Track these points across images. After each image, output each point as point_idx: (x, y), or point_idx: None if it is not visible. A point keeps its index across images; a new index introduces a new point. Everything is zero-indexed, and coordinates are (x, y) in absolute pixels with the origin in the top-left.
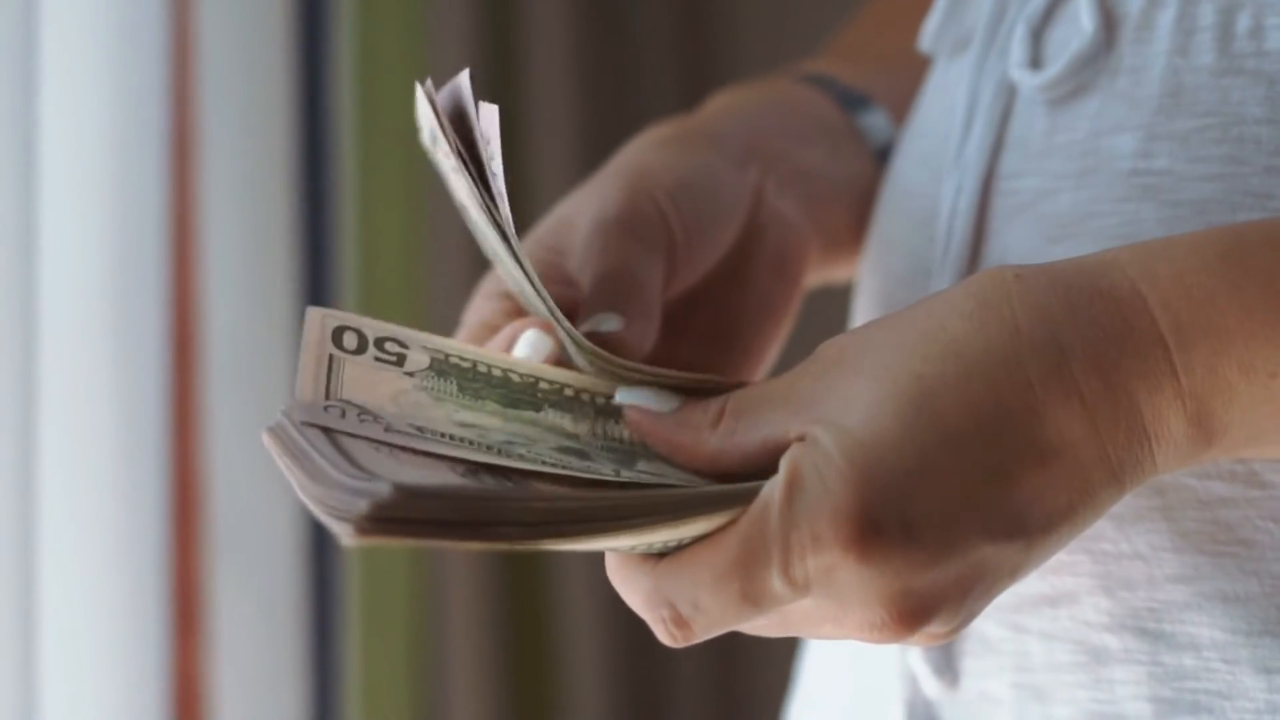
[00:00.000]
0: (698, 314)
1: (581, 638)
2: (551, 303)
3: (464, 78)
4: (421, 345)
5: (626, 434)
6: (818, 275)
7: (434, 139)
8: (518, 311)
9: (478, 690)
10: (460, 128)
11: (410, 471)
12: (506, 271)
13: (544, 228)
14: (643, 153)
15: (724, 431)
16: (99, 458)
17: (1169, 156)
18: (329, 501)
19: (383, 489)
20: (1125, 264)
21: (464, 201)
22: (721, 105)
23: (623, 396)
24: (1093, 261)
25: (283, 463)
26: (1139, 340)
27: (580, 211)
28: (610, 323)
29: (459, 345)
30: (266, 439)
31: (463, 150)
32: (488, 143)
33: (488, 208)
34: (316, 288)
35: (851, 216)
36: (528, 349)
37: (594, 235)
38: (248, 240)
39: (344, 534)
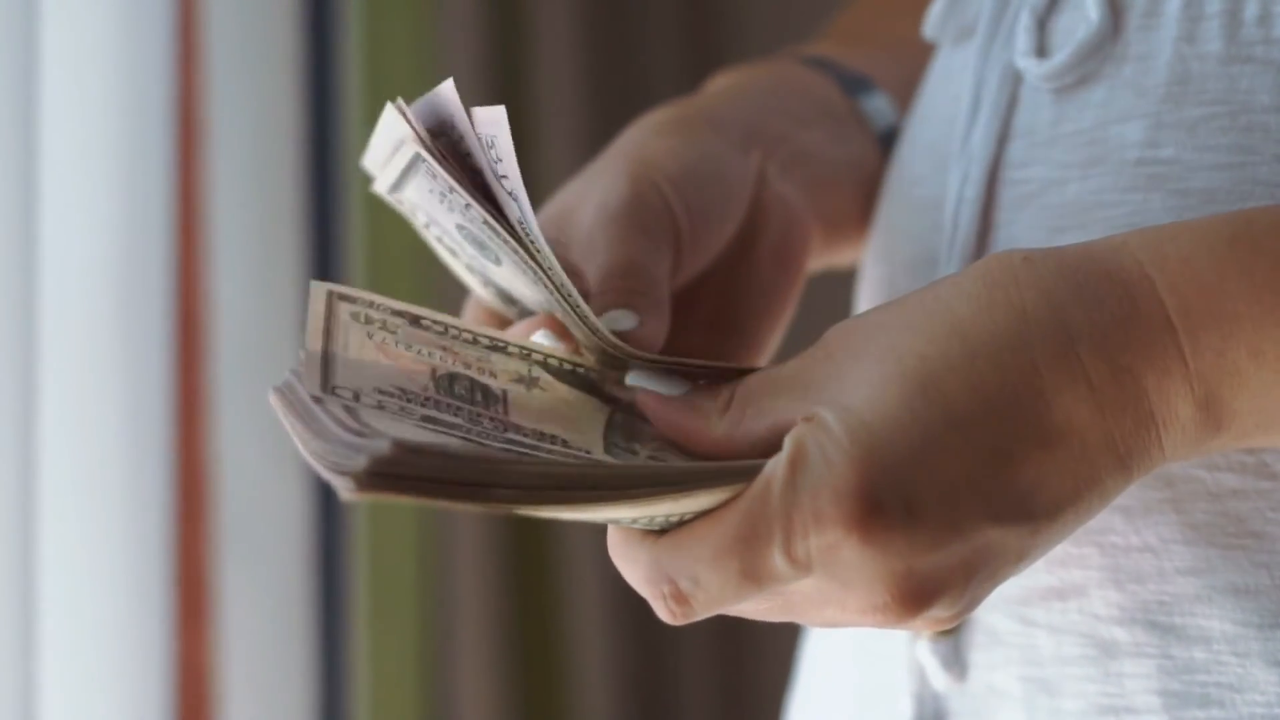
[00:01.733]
0: (700, 302)
1: (588, 624)
2: (577, 296)
3: (448, 87)
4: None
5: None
6: (820, 260)
7: (407, 165)
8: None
9: (485, 679)
10: (447, 143)
11: (413, 430)
12: (510, 279)
13: (544, 216)
14: (644, 139)
15: (731, 418)
16: (105, 448)
17: (1176, 145)
18: (329, 457)
19: (382, 445)
20: (1134, 248)
21: (446, 220)
22: (723, 87)
23: (633, 378)
24: (1102, 245)
25: (287, 421)
26: (1146, 323)
27: (583, 201)
28: (625, 321)
29: (463, 321)
30: (273, 398)
31: (450, 161)
32: (491, 146)
33: (491, 214)
34: (324, 277)
35: (854, 200)
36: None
37: (600, 227)
38: (255, 229)
39: (344, 488)
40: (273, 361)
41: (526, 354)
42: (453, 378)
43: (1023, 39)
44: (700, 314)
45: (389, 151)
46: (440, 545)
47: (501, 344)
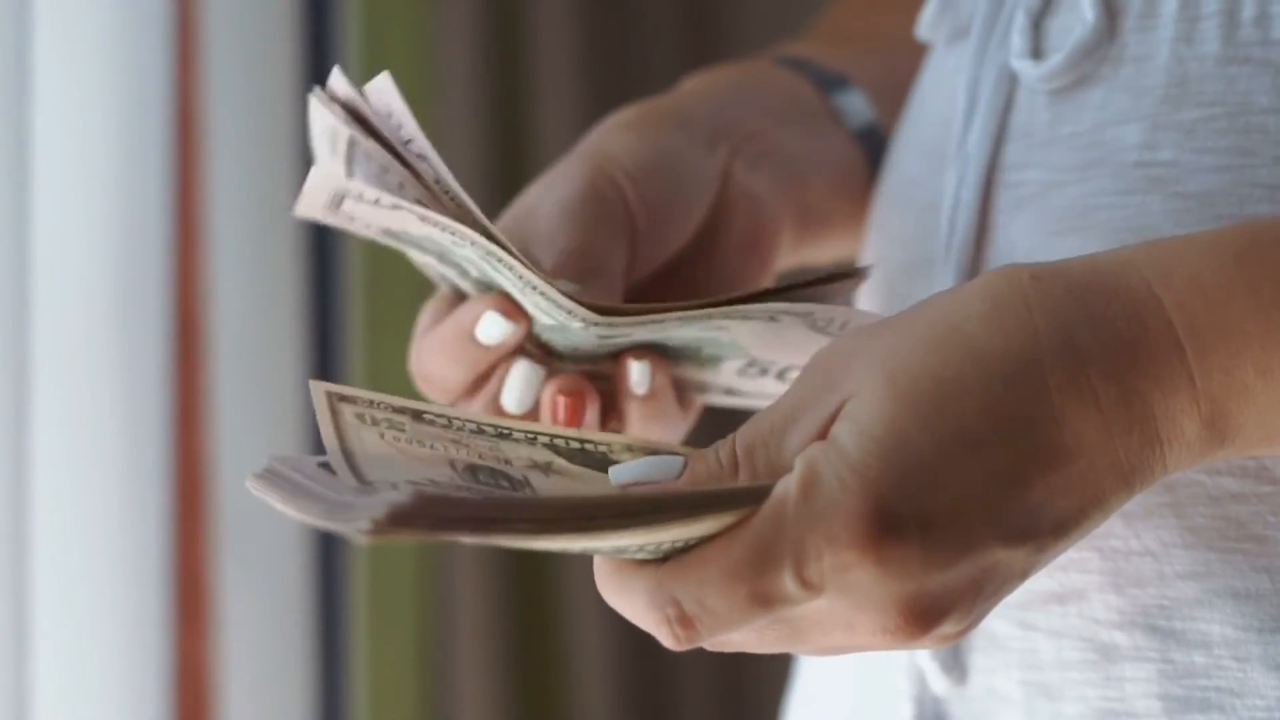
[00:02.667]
0: (666, 295)
1: (587, 624)
2: (528, 267)
3: (383, 80)
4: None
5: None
6: (795, 255)
7: (347, 151)
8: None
9: (485, 680)
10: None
11: (412, 470)
12: (466, 259)
13: (508, 215)
14: (606, 137)
15: (746, 478)
16: (103, 448)
17: (1175, 147)
18: (337, 518)
19: (400, 495)
20: (1141, 265)
21: (385, 208)
22: (695, 86)
23: (618, 475)
24: (1108, 261)
25: (275, 499)
26: (1155, 344)
27: (542, 198)
28: (566, 286)
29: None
30: (252, 485)
31: (389, 145)
32: (389, 115)
33: (429, 193)
34: (321, 279)
35: (829, 195)
36: (493, 328)
37: (557, 219)
38: (254, 230)
39: (358, 536)
40: (272, 362)
41: (533, 437)
42: (474, 468)
43: (1018, 40)
44: None
45: (328, 149)
46: (440, 546)
47: (506, 430)
